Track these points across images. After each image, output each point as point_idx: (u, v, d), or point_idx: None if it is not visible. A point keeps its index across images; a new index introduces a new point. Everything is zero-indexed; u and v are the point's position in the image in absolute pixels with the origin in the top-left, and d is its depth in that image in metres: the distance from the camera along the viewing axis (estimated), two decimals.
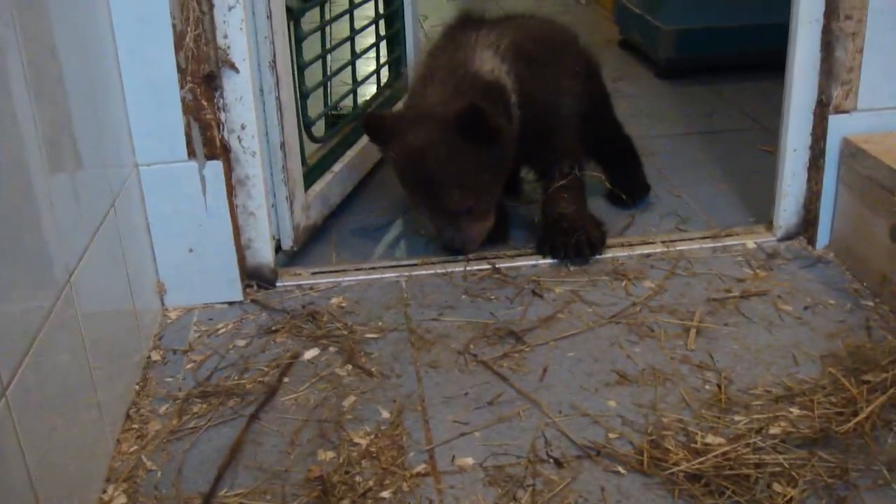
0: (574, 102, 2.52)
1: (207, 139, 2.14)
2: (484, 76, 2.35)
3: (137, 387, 1.97)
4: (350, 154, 2.88)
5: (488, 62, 2.37)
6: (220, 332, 2.18)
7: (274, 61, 2.27)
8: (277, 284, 2.37)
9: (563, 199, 2.48)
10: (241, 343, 2.13)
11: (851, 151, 2.27)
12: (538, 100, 2.43)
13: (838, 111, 2.30)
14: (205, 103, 2.11)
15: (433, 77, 2.39)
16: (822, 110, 2.32)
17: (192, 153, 2.15)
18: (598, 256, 2.44)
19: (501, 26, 2.51)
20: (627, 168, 2.83)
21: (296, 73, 2.53)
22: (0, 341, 1.30)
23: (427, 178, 2.31)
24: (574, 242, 2.41)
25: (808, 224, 2.46)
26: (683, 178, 3.00)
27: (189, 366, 2.06)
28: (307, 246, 2.58)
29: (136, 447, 1.79)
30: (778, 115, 2.43)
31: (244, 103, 2.16)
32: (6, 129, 1.40)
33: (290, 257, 2.51)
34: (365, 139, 2.98)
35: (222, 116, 2.16)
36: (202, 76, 2.09)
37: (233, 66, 2.12)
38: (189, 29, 2.05)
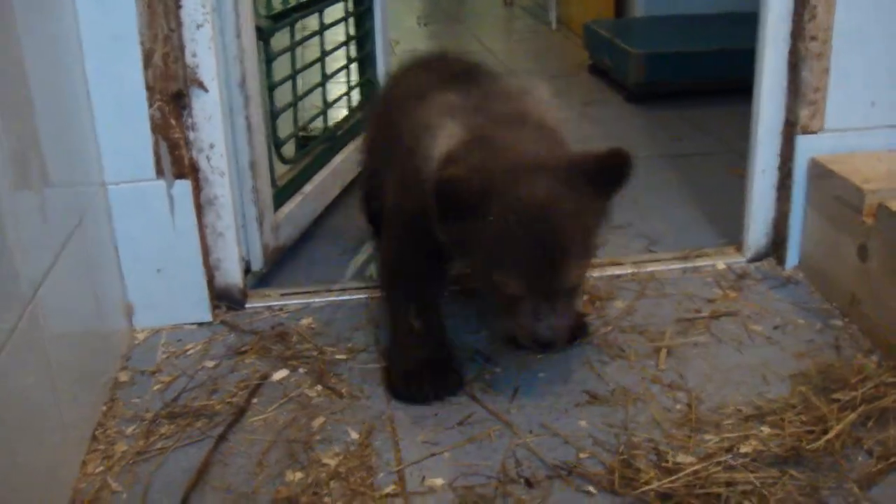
0: None
1: (175, 158, 2.12)
2: (557, 131, 1.92)
3: (104, 408, 1.95)
4: (320, 175, 2.87)
5: (549, 116, 1.96)
6: (189, 352, 2.16)
7: (243, 81, 2.26)
8: (246, 305, 2.35)
9: None
10: (210, 364, 2.11)
11: (819, 172, 2.29)
12: None
13: (806, 132, 2.31)
14: (173, 122, 2.10)
15: (496, 128, 1.84)
16: (790, 131, 2.34)
17: (160, 172, 2.13)
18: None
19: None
20: None
21: (266, 93, 2.52)
22: None
23: (549, 239, 1.70)
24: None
25: (777, 245, 2.47)
26: (653, 200, 3.01)
27: (157, 387, 2.03)
28: (277, 267, 2.56)
29: (101, 468, 1.76)
30: (746, 138, 2.44)
31: (213, 122, 2.15)
32: None
33: (260, 278, 2.49)
34: (338, 160, 2.98)
35: (191, 135, 2.14)
36: (170, 94, 2.08)
37: (201, 85, 2.11)
38: (157, 47, 2.03)
